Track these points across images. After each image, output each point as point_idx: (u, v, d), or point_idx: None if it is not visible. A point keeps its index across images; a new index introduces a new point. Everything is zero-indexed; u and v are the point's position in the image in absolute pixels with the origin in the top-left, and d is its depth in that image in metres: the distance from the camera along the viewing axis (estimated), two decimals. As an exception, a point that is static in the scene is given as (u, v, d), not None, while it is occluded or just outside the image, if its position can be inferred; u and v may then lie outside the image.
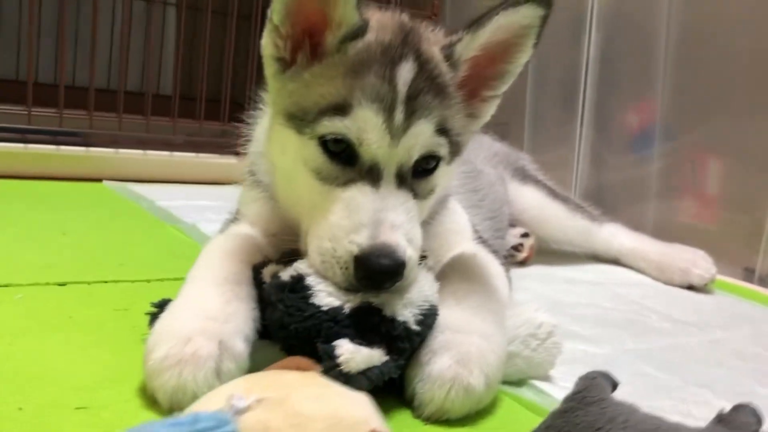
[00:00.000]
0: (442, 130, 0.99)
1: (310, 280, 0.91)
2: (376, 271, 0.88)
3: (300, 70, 1.00)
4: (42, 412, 0.80)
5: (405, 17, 1.08)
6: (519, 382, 1.03)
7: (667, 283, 1.81)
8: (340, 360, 0.82)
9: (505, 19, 1.01)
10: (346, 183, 0.94)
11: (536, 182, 1.91)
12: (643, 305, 1.58)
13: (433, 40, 1.05)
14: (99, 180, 2.30)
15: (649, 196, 2.36)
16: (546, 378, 1.06)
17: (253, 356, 0.88)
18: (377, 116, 0.93)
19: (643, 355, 1.24)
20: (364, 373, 0.83)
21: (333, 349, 0.83)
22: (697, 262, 1.78)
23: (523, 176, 1.91)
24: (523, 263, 1.84)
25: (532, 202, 1.86)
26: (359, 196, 0.92)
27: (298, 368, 0.63)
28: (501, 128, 2.94)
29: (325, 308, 0.88)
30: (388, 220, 0.91)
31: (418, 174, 0.99)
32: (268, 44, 1.02)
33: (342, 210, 0.92)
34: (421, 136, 0.96)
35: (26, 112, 2.27)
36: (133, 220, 1.85)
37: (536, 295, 1.58)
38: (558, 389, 1.02)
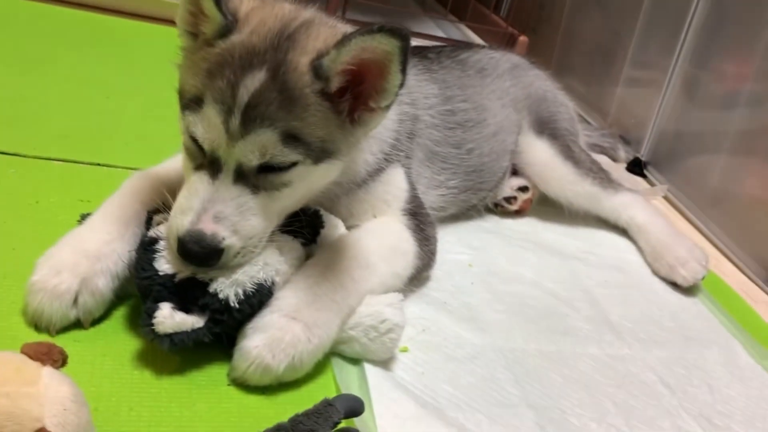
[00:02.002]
0: (294, 138, 1.06)
1: (160, 245, 1.08)
2: (187, 254, 1.04)
3: (193, 50, 1.10)
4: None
5: (300, 16, 1.11)
6: (356, 361, 1.18)
7: (655, 273, 1.76)
8: (153, 321, 1.01)
9: (364, 43, 1.04)
10: (198, 167, 1.07)
11: (553, 137, 1.85)
12: (590, 295, 1.58)
13: (309, 48, 1.08)
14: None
15: (720, 153, 2.21)
16: (385, 360, 1.19)
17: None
18: (217, 117, 1.03)
19: (512, 358, 1.30)
20: (171, 336, 1.02)
21: (154, 309, 1.02)
22: (688, 263, 1.71)
23: (542, 128, 1.85)
24: (518, 212, 1.87)
25: (540, 158, 1.83)
26: (198, 183, 1.06)
27: (35, 357, 0.81)
28: (611, 35, 2.82)
29: (160, 273, 1.06)
30: (213, 210, 1.05)
31: (266, 170, 1.08)
32: (180, 13, 1.11)
33: (186, 190, 1.07)
34: (260, 144, 1.04)
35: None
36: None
37: (485, 254, 1.63)
38: (383, 377, 1.16)
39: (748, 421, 1.31)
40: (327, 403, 0.93)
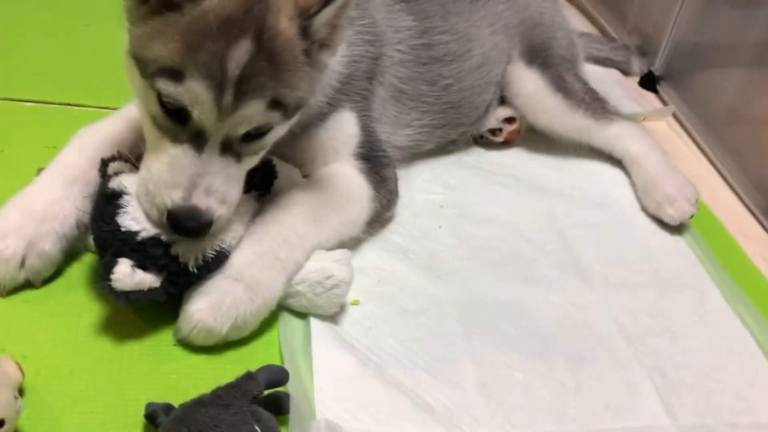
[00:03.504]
0: (277, 103, 1.04)
1: (124, 200, 1.09)
2: (182, 229, 1.05)
3: (149, 14, 1.03)
4: None
5: None
6: (304, 315, 1.21)
7: (644, 209, 1.72)
8: (112, 276, 1.04)
9: None
10: (176, 140, 1.05)
11: (545, 67, 1.75)
12: (564, 237, 1.55)
13: (282, 6, 1.02)
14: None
15: (736, 68, 2.10)
16: (331, 315, 1.21)
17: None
18: (207, 92, 0.99)
19: (466, 309, 1.30)
20: (127, 293, 1.05)
21: (112, 264, 1.04)
22: (677, 201, 1.64)
23: (533, 57, 1.76)
24: (505, 143, 1.82)
25: (529, 89, 1.74)
26: (182, 158, 1.04)
27: None
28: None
29: (122, 229, 1.07)
30: (203, 184, 1.04)
31: (248, 137, 1.07)
32: None
33: (167, 164, 1.05)
34: (250, 115, 1.03)
35: None
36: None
37: (459, 194, 1.60)
38: (329, 333, 1.18)
39: (705, 373, 1.30)
40: (248, 376, 0.96)
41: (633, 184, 1.77)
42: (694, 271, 1.56)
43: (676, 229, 1.66)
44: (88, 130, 1.25)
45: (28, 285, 1.13)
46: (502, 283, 1.40)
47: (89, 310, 1.11)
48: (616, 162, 1.83)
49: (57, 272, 1.16)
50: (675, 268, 1.55)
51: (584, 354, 1.28)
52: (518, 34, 1.78)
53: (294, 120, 1.14)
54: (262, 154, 1.13)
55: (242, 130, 1.04)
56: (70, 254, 1.17)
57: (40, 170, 1.23)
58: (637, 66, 2.41)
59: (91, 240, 1.14)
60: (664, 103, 2.30)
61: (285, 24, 1.02)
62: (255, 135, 1.07)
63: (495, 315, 1.32)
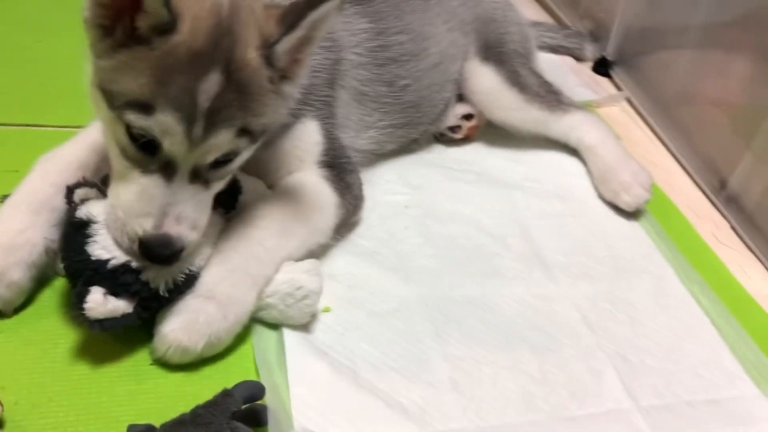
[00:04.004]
0: (244, 131, 1.07)
1: (93, 229, 1.11)
2: (156, 257, 1.07)
3: (114, 47, 1.03)
4: None
5: (227, 1, 1.05)
6: (276, 326, 1.23)
7: (600, 196, 1.77)
8: (85, 306, 1.05)
9: (314, 16, 1.04)
10: (145, 170, 1.06)
11: (499, 63, 1.79)
12: (525, 229, 1.59)
13: (249, 37, 1.04)
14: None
15: (683, 50, 2.17)
16: (304, 324, 1.24)
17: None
18: (178, 125, 1.01)
19: (434, 308, 1.34)
20: (101, 321, 1.06)
21: (85, 294, 1.06)
22: (632, 188, 1.70)
23: (488, 53, 1.80)
24: (464, 139, 1.85)
25: (484, 86, 1.79)
26: (152, 187, 1.06)
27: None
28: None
29: (93, 258, 1.09)
30: (174, 212, 1.06)
31: (216, 164, 1.09)
32: (88, 6, 1.03)
33: (137, 194, 1.06)
34: (219, 144, 1.05)
35: None
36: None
37: (423, 193, 1.63)
38: (302, 342, 1.21)
39: (664, 355, 1.36)
40: (225, 393, 0.99)
41: (589, 172, 1.83)
42: (652, 255, 1.62)
43: (633, 215, 1.72)
44: (49, 155, 1.26)
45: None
46: (468, 280, 1.44)
47: (64, 335, 1.13)
48: (573, 151, 1.88)
49: (28, 300, 1.17)
50: (633, 254, 1.62)
51: (549, 344, 1.34)
52: (474, 30, 1.82)
53: (260, 143, 1.16)
54: (228, 177, 1.16)
55: (211, 158, 1.06)
56: (40, 280, 1.18)
57: (4, 197, 1.23)
58: (590, 52, 2.47)
59: (61, 265, 1.15)
60: (618, 88, 2.36)
61: (252, 54, 1.04)
62: (223, 161, 1.09)
63: (463, 311, 1.36)
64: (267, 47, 1.05)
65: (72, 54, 1.72)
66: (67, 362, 1.10)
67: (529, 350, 1.31)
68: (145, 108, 1.00)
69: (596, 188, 1.79)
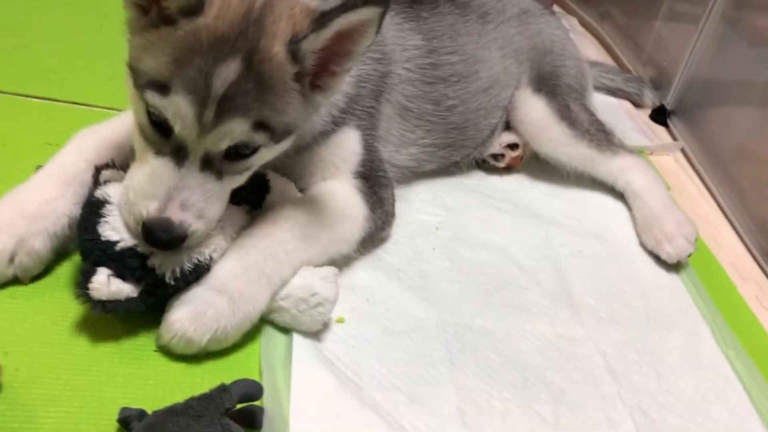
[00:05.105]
0: (262, 125, 1.05)
1: (107, 209, 1.11)
2: (155, 241, 1.06)
3: (147, 26, 1.04)
4: None
5: None
6: (287, 330, 1.21)
7: (642, 243, 1.71)
8: (89, 285, 1.05)
9: (346, 19, 1.02)
10: (159, 152, 1.06)
11: (551, 95, 1.75)
12: (558, 266, 1.54)
13: (279, 31, 1.03)
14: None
15: (745, 107, 2.12)
16: (315, 332, 1.21)
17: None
18: (189, 108, 1.00)
19: (452, 334, 1.29)
20: (104, 302, 1.06)
21: (91, 273, 1.06)
22: (675, 239, 1.63)
23: (541, 84, 1.76)
24: (507, 169, 1.82)
25: (534, 117, 1.75)
26: (162, 169, 1.05)
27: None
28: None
29: (102, 238, 1.08)
30: (179, 198, 1.05)
31: (231, 156, 1.07)
32: None
33: (147, 175, 1.06)
34: (231, 133, 1.04)
35: None
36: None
37: (456, 217, 1.60)
38: (311, 350, 1.18)
39: (688, 416, 1.29)
40: (222, 389, 0.96)
41: (633, 218, 1.76)
42: (688, 310, 1.55)
43: (674, 267, 1.65)
44: (88, 131, 1.27)
45: (16, 281, 1.13)
46: (490, 310, 1.39)
47: (74, 310, 1.12)
48: (618, 194, 1.83)
49: (46, 270, 1.17)
50: (668, 306, 1.54)
51: (567, 387, 1.27)
52: (528, 60, 1.79)
53: (286, 144, 1.15)
54: (248, 174, 1.14)
55: (223, 146, 1.04)
56: (60, 253, 1.18)
57: (38, 167, 1.24)
58: (649, 99, 2.41)
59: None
60: (674, 138, 2.30)
61: (278, 48, 1.03)
62: (239, 155, 1.07)
63: (481, 341, 1.31)
64: (294, 42, 1.03)
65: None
66: (73, 336, 1.09)
67: (545, 390, 1.25)
68: (162, 88, 1.00)
69: (638, 235, 1.72)
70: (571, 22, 2.85)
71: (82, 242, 1.10)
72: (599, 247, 1.65)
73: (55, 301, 1.13)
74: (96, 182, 1.16)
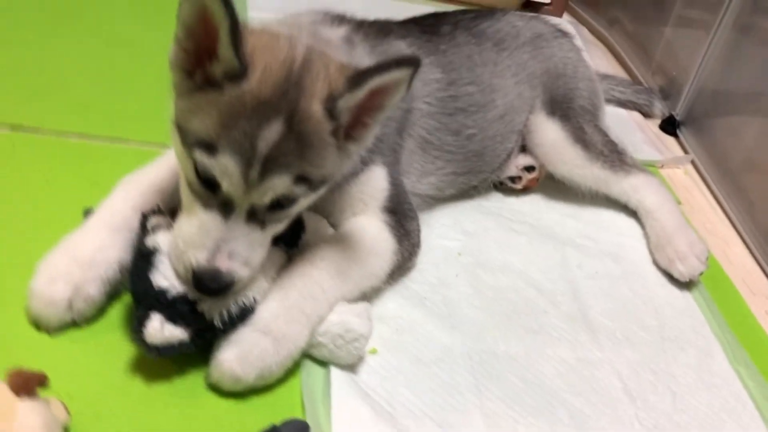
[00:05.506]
0: (302, 179, 1.13)
1: (158, 258, 1.18)
2: (204, 289, 1.14)
3: (193, 89, 1.11)
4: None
5: (298, 52, 1.12)
6: (325, 363, 1.29)
7: (655, 262, 1.78)
8: (144, 331, 1.13)
9: (379, 79, 1.09)
10: (207, 205, 1.13)
11: (565, 118, 1.82)
12: (575, 287, 1.61)
13: (317, 91, 1.11)
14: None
15: (755, 117, 2.19)
16: (351, 365, 1.29)
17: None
18: (236, 167, 1.08)
19: (477, 360, 1.37)
20: (158, 346, 1.14)
21: (145, 318, 1.14)
22: (687, 258, 1.70)
23: (554, 108, 1.83)
24: (524, 190, 1.88)
25: (549, 140, 1.81)
26: (210, 223, 1.13)
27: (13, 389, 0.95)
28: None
29: (154, 286, 1.16)
30: (227, 248, 1.13)
31: (273, 207, 1.15)
32: (173, 51, 1.13)
33: (196, 227, 1.14)
34: (274, 188, 1.11)
35: None
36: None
37: (476, 241, 1.67)
38: (347, 381, 1.26)
39: (702, 434, 1.37)
40: (273, 429, 1.04)
41: (646, 236, 1.83)
42: (700, 328, 1.62)
43: (686, 285, 1.72)
44: (132, 177, 1.34)
45: (73, 324, 1.22)
46: (512, 335, 1.47)
47: (128, 350, 1.20)
48: (631, 212, 1.89)
49: (99, 312, 1.25)
50: (682, 325, 1.62)
51: (587, 410, 1.35)
52: (541, 84, 1.85)
53: (323, 191, 1.22)
54: (288, 221, 1.21)
55: (266, 200, 1.12)
56: (111, 294, 1.26)
57: (86, 210, 1.32)
58: (659, 109, 2.48)
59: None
60: (683, 148, 2.36)
61: (316, 107, 1.10)
62: (280, 205, 1.15)
63: (505, 367, 1.39)
64: (331, 101, 1.10)
65: (159, 74, 1.87)
66: (129, 377, 1.17)
67: (567, 415, 1.33)
68: (210, 148, 1.08)
69: (651, 253, 1.79)
70: (581, 32, 2.90)
71: (136, 289, 1.18)
72: (614, 267, 1.73)
73: (110, 343, 1.21)
74: (144, 228, 1.24)
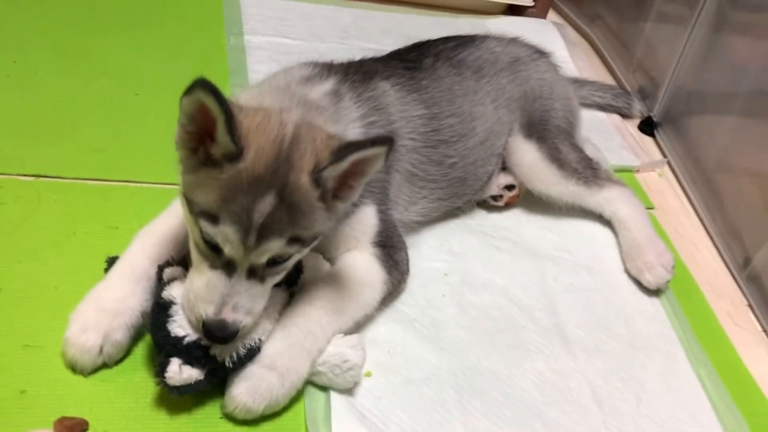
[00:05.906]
0: (295, 239, 1.28)
1: (173, 309, 1.35)
2: (213, 338, 1.31)
3: (197, 165, 1.27)
4: None
5: (287, 128, 1.27)
6: (325, 389, 1.46)
7: (626, 270, 1.93)
8: (166, 375, 1.31)
9: (359, 155, 1.25)
10: (212, 265, 1.30)
11: (542, 140, 1.96)
12: (552, 302, 1.77)
13: (305, 164, 1.26)
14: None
15: (727, 116, 2.30)
16: (349, 389, 1.47)
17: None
18: (235, 235, 1.24)
19: (462, 378, 1.53)
20: (178, 387, 1.32)
21: (166, 364, 1.31)
22: (655, 268, 1.86)
23: (531, 131, 1.96)
24: (506, 205, 2.03)
25: (526, 161, 1.96)
26: (216, 281, 1.29)
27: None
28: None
29: (172, 335, 1.33)
30: (231, 302, 1.29)
31: (270, 264, 1.31)
32: (178, 133, 1.28)
33: (205, 284, 1.30)
34: (270, 250, 1.27)
35: None
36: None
37: (462, 261, 1.81)
38: (345, 404, 1.44)
39: (662, 436, 1.54)
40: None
41: (619, 245, 1.99)
42: (666, 333, 1.79)
43: (655, 292, 1.88)
44: (147, 229, 1.50)
45: (103, 365, 1.39)
46: (494, 351, 1.63)
47: (152, 387, 1.37)
48: (607, 222, 2.04)
49: (126, 352, 1.42)
50: (649, 331, 1.78)
51: (561, 419, 1.52)
52: (519, 108, 1.98)
53: (315, 244, 1.38)
54: (285, 272, 1.37)
55: (263, 260, 1.28)
56: (135, 337, 1.43)
57: (108, 259, 1.48)
58: (637, 110, 2.61)
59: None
60: (660, 148, 2.49)
61: (304, 179, 1.25)
62: (276, 262, 1.31)
63: (487, 383, 1.55)
64: (317, 172, 1.25)
65: (165, 108, 1.98)
66: (154, 411, 1.34)
67: (542, 424, 1.50)
68: (213, 218, 1.24)
69: (623, 262, 1.95)
70: (564, 32, 3.00)
71: (156, 338, 1.35)
72: (589, 279, 1.88)
73: (137, 380, 1.38)
74: (160, 279, 1.40)
